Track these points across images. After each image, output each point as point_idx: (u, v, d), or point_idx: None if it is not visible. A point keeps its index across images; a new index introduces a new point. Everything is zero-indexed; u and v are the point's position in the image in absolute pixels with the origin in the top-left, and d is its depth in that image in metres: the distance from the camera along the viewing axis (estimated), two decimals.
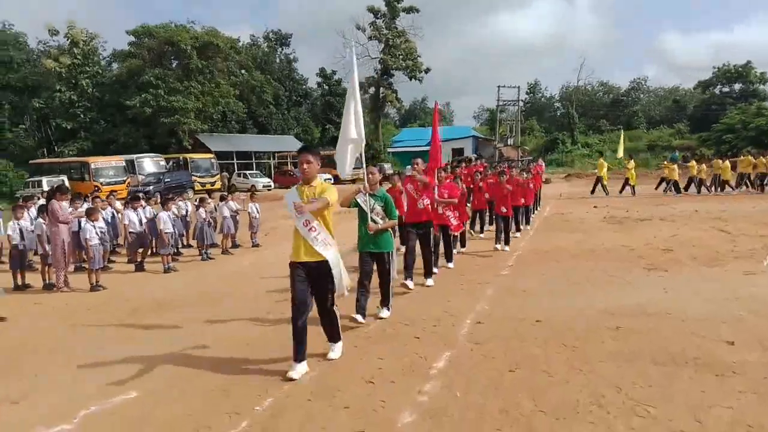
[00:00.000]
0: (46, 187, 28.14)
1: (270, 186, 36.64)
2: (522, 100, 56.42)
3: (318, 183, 4.94)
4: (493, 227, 11.70)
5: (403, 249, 8.19)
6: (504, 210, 10.98)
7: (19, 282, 9.30)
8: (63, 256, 9.09)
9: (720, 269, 8.48)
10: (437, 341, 5.63)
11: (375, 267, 6.44)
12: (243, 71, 47.07)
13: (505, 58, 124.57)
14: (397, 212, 6.59)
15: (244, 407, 4.23)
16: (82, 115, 41.67)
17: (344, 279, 4.97)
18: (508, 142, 52.68)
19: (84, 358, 5.57)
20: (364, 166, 6.51)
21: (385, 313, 6.51)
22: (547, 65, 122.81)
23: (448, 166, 12.54)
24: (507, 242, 11.27)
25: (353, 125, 6.19)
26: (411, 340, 5.71)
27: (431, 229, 8.16)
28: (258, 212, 13.43)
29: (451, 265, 9.39)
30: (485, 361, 5.06)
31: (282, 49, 58.12)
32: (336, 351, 5.22)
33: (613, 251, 10.34)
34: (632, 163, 23.46)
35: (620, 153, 25.19)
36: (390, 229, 6.50)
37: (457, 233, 9.67)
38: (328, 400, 4.34)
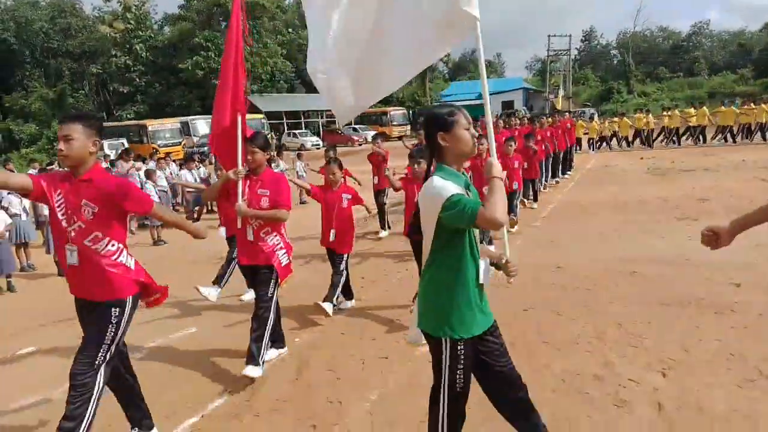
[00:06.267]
0: (107, 150, 29.75)
1: (319, 145, 37.16)
2: (577, 49, 54.78)
3: None
4: None
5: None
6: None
7: None
8: None
9: None
10: None
11: None
12: (290, 30, 47.43)
13: (562, 4, 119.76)
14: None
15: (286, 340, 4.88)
16: (137, 79, 43.44)
17: None
18: (560, 93, 51.52)
19: None
20: None
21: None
22: (606, 11, 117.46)
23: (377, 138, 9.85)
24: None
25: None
26: None
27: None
28: (305, 171, 14.05)
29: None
30: (501, 303, 5.48)
31: None
32: None
33: (648, 203, 10.47)
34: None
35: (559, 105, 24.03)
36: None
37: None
38: (359, 333, 4.95)
